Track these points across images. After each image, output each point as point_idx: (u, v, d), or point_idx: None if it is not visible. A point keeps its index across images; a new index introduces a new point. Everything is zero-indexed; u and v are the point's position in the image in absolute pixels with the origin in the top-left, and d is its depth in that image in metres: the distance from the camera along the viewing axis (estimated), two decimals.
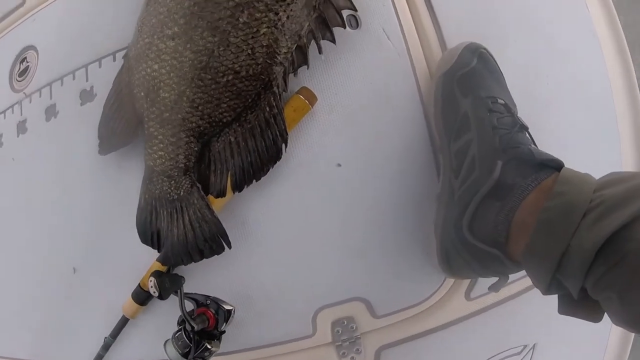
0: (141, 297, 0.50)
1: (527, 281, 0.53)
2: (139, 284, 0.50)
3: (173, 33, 0.44)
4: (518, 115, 0.46)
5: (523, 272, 0.51)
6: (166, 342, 0.47)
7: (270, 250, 0.51)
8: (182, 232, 0.46)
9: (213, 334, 0.47)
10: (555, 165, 0.40)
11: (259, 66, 0.45)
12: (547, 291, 0.38)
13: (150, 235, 0.48)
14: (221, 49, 0.44)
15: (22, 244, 0.61)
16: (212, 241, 0.46)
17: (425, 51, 0.52)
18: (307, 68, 0.47)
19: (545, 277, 0.37)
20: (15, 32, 0.66)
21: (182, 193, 0.47)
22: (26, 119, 0.59)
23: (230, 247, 0.47)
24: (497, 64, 0.49)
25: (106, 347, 0.53)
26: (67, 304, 0.57)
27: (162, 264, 0.49)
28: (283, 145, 0.46)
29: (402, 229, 0.51)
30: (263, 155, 0.46)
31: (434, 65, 0.51)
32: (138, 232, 0.49)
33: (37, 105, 0.58)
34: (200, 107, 0.46)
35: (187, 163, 0.47)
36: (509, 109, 0.45)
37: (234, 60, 0.44)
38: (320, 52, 0.47)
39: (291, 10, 0.44)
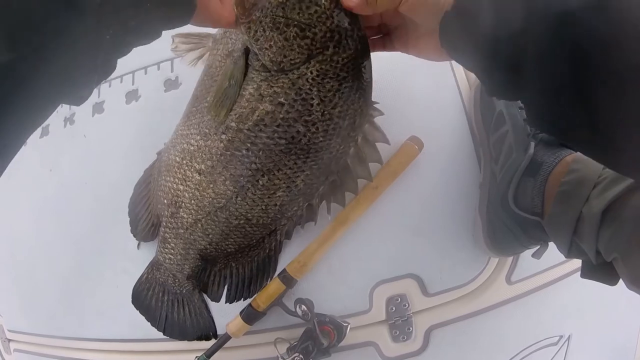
0: (251, 317, 0.53)
1: (562, 269, 0.57)
2: (251, 304, 0.53)
3: (200, 169, 0.48)
4: None
5: (558, 260, 0.57)
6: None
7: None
8: (182, 319, 0.56)
9: (325, 349, 0.51)
10: None
11: (269, 218, 0.51)
12: (568, 254, 0.43)
13: (144, 307, 0.57)
14: (239, 199, 0.48)
15: (88, 210, 0.62)
16: (202, 332, 0.56)
17: None
18: (315, 224, 0.53)
19: (565, 240, 0.42)
20: None
21: (184, 291, 0.56)
22: (104, 100, 0.63)
23: (216, 338, 0.56)
24: None
25: None
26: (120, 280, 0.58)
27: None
28: (269, 280, 0.55)
29: (450, 213, 0.56)
30: (252, 284, 0.55)
31: (472, 77, 0.61)
32: (132, 299, 0.58)
33: (117, 89, 0.63)
34: (210, 236, 0.52)
35: (190, 272, 0.55)
36: None
37: (248, 210, 0.49)
38: (329, 212, 0.52)
39: (309, 178, 0.48)
